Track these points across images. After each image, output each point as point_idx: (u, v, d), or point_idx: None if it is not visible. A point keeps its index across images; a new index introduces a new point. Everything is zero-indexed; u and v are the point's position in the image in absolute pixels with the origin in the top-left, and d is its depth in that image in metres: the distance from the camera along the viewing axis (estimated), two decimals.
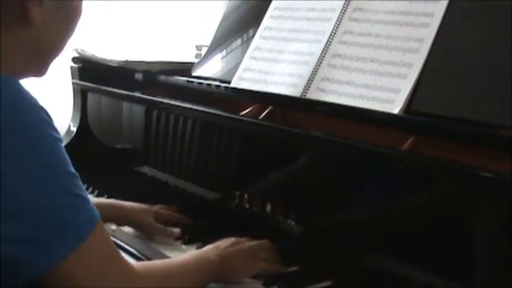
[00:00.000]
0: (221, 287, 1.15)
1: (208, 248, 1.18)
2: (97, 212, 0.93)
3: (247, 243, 1.21)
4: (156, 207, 1.44)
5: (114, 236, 1.32)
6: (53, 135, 0.89)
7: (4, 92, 0.86)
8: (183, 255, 1.14)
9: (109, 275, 0.93)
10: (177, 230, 1.36)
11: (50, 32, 0.97)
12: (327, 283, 1.16)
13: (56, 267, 0.87)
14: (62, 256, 0.87)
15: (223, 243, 1.19)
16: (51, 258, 0.87)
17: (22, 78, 0.96)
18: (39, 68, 1.00)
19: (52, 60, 1.02)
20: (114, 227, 1.39)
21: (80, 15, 1.01)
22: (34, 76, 1.01)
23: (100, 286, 0.92)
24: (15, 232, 0.85)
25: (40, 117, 0.88)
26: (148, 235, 1.38)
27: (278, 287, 1.15)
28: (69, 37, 1.01)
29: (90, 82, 1.87)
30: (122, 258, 0.98)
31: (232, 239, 1.21)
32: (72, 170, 0.91)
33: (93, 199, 1.43)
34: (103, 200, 1.48)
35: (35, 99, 0.90)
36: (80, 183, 0.92)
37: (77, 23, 1.01)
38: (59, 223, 0.87)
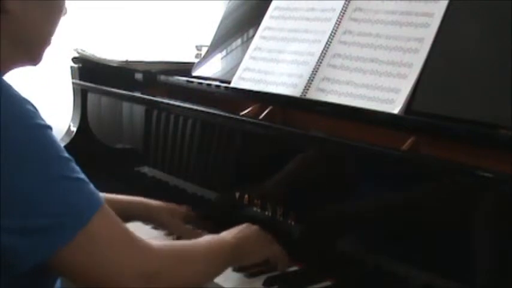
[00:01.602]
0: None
1: (223, 233, 1.17)
2: (99, 194, 0.92)
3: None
4: (185, 208, 1.43)
5: None
6: (39, 124, 0.88)
7: None
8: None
9: (123, 254, 0.91)
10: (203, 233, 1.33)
11: (31, 21, 0.95)
12: (327, 283, 1.16)
13: (64, 250, 0.86)
14: (66, 239, 0.86)
15: (237, 228, 1.20)
16: (55, 243, 0.86)
17: (14, 68, 0.95)
18: (29, 56, 0.99)
19: (42, 48, 0.99)
20: None
21: (62, 3, 0.99)
22: (28, 65, 0.99)
23: (116, 267, 0.90)
24: (15, 223, 0.84)
25: (24, 108, 0.87)
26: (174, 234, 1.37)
27: (278, 287, 1.16)
28: (53, 25, 0.99)
29: (90, 82, 1.87)
30: (135, 236, 0.94)
31: (245, 224, 1.22)
32: (66, 154, 0.90)
33: (121, 197, 1.39)
34: (131, 197, 1.44)
35: (17, 91, 0.89)
36: (76, 166, 0.90)
37: (60, 11, 0.99)
38: (60, 208, 0.86)
